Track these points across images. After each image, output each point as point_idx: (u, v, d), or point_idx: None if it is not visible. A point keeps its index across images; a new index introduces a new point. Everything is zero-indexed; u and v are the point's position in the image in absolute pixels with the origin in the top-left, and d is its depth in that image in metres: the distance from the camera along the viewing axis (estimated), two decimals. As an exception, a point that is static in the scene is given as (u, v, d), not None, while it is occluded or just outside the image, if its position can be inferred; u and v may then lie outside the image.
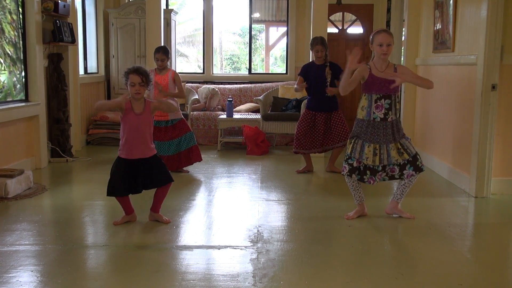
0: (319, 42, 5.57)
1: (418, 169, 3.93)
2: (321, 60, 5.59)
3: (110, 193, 3.83)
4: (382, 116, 3.88)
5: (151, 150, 3.86)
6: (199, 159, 5.68)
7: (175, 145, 5.54)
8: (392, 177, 4.00)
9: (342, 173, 4.04)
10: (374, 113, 3.89)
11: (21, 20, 5.69)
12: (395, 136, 3.91)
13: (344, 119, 5.69)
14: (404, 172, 3.93)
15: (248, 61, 9.22)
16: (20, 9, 5.67)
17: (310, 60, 5.92)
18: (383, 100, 3.86)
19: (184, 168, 5.75)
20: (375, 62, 3.91)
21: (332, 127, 5.61)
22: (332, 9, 8.28)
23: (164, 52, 5.49)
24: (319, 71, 5.56)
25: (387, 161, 3.92)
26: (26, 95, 5.82)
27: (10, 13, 5.49)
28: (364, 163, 3.91)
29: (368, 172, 3.94)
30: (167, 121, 5.51)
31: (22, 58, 5.73)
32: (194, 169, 5.86)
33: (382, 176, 3.98)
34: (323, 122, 5.60)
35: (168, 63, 5.61)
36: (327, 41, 5.73)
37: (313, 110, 5.63)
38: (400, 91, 4.04)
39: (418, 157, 3.95)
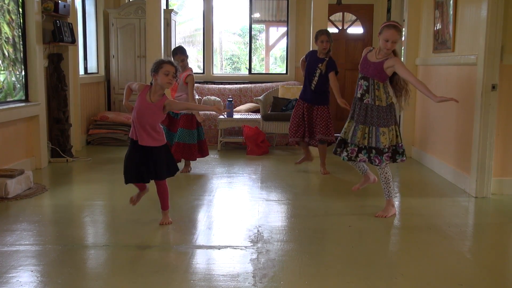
0: (324, 32, 5.51)
1: (370, 160, 3.99)
2: (324, 54, 5.52)
3: (125, 181, 3.84)
4: (359, 96, 4.06)
5: (156, 141, 3.76)
6: (204, 155, 5.71)
7: (176, 136, 5.53)
8: (357, 157, 4.05)
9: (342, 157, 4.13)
10: (357, 91, 4.11)
11: (21, 20, 5.69)
12: (366, 119, 3.99)
13: (328, 115, 5.58)
14: (359, 155, 4.02)
15: (248, 61, 9.22)
16: (20, 9, 5.67)
17: None
18: (362, 80, 4.05)
19: (189, 168, 5.76)
20: (377, 49, 4.04)
21: (315, 121, 5.57)
22: (332, 9, 8.28)
23: (182, 53, 5.48)
24: (316, 62, 5.52)
25: (374, 143, 3.99)
26: (26, 95, 5.82)
27: (9, 12, 5.49)
28: (356, 143, 4.03)
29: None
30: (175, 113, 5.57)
31: (22, 58, 5.73)
32: (195, 169, 5.86)
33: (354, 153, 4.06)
34: (307, 113, 5.60)
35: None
36: None
37: (301, 99, 5.67)
38: (392, 82, 4.05)
39: (384, 152, 3.96)
